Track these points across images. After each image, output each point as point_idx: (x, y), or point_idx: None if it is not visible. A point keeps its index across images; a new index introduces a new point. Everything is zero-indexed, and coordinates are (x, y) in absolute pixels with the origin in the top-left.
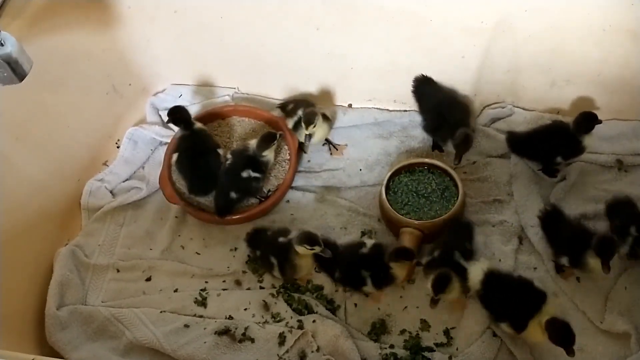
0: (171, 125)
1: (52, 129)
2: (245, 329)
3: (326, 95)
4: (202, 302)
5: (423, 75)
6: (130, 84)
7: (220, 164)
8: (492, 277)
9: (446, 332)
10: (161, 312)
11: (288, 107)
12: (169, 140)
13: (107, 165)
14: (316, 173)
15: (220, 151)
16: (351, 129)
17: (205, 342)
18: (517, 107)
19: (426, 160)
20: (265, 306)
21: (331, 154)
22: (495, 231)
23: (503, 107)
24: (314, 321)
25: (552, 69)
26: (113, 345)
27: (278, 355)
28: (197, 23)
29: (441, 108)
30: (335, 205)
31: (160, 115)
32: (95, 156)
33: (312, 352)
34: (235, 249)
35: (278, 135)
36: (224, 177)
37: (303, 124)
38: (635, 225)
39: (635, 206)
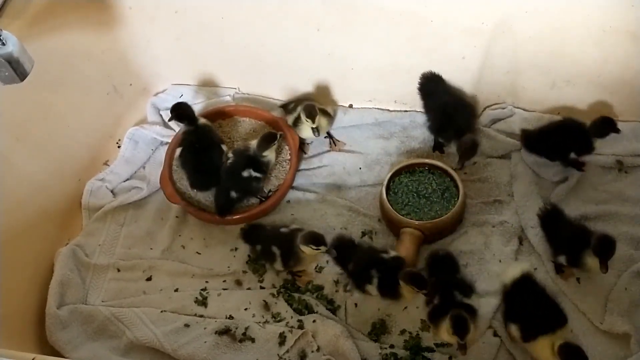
0: (172, 124)
1: (53, 129)
2: (246, 328)
3: (327, 96)
4: (203, 302)
5: (432, 72)
6: (131, 84)
7: (222, 159)
8: (525, 282)
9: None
10: (161, 311)
11: (289, 106)
12: (169, 140)
13: (108, 165)
14: (316, 169)
15: (224, 147)
16: (352, 129)
17: (205, 342)
18: (518, 107)
19: (427, 160)
20: (266, 306)
21: (330, 149)
22: (495, 232)
23: (503, 108)
24: (314, 321)
25: (552, 69)
26: (113, 344)
27: (278, 355)
28: (198, 23)
29: (447, 108)
30: (335, 205)
31: (161, 115)
32: (96, 156)
33: (313, 352)
34: (236, 248)
35: (279, 136)
36: (225, 176)
37: (307, 120)
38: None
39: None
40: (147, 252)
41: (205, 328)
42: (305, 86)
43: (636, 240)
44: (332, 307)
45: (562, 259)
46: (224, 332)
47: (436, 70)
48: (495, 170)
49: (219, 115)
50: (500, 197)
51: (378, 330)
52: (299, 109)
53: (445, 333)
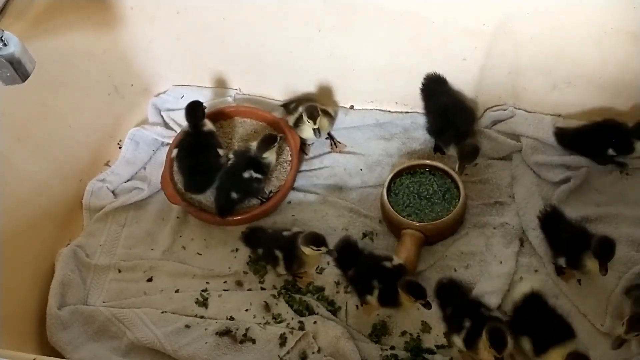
0: (173, 125)
1: (54, 129)
2: (246, 329)
3: (327, 97)
4: (203, 303)
5: (436, 73)
6: (132, 85)
7: (220, 163)
8: (534, 299)
9: (447, 334)
10: (162, 312)
11: (290, 106)
12: (170, 141)
13: (109, 166)
14: (317, 170)
15: (222, 151)
16: (352, 130)
17: (206, 343)
18: (519, 109)
19: (428, 162)
20: (267, 307)
21: (331, 150)
22: (496, 233)
23: (504, 109)
24: (315, 322)
25: (553, 71)
26: (114, 345)
27: (279, 356)
28: (199, 24)
29: (447, 111)
30: (336, 207)
31: (162, 116)
32: (97, 157)
33: (313, 353)
34: (237, 249)
35: (279, 138)
36: (226, 177)
37: (308, 121)
38: None
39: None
40: (147, 252)
41: (206, 329)
42: (306, 87)
43: (637, 242)
44: (333, 309)
45: (561, 261)
46: (225, 333)
47: (437, 71)
48: (496, 171)
49: (219, 116)
50: (501, 199)
51: (379, 332)
52: (300, 109)
53: (486, 354)
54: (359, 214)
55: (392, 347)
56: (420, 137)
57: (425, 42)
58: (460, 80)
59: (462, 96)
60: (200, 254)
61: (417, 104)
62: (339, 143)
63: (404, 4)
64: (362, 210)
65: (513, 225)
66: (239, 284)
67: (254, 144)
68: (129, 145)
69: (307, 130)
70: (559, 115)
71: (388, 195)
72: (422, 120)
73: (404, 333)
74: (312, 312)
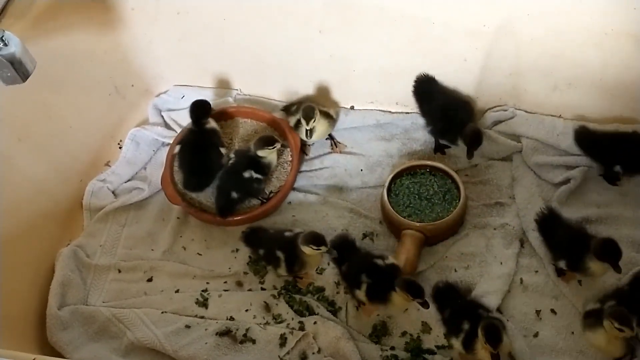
0: (173, 125)
1: (55, 129)
2: (247, 330)
3: (328, 97)
4: (204, 303)
5: (424, 74)
6: (132, 85)
7: (221, 162)
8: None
9: (447, 337)
10: (162, 312)
11: (292, 108)
12: (171, 141)
13: (109, 166)
14: (317, 171)
15: (224, 150)
16: (353, 131)
17: (206, 343)
18: (519, 109)
19: (428, 162)
20: (267, 307)
21: (332, 150)
22: (496, 234)
23: (505, 110)
24: (315, 323)
25: (553, 72)
26: (114, 345)
27: (279, 356)
28: (200, 24)
29: (447, 111)
30: (336, 207)
31: (162, 116)
32: (98, 157)
33: (313, 353)
34: (237, 250)
35: (279, 144)
36: (226, 177)
37: (303, 120)
38: None
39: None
40: (148, 253)
41: (206, 329)
42: (307, 88)
43: (638, 243)
44: (333, 309)
45: (562, 264)
46: (225, 333)
47: (438, 72)
48: (497, 172)
49: (220, 116)
50: (502, 200)
51: (379, 332)
52: (301, 110)
53: (483, 352)
54: (360, 215)
55: (392, 348)
56: (421, 137)
57: (426, 42)
58: (461, 81)
59: (455, 92)
60: (201, 255)
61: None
62: (339, 143)
63: (405, 5)
64: (363, 210)
65: (513, 226)
66: (239, 284)
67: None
68: (130, 145)
69: (304, 129)
70: (559, 116)
71: (388, 195)
72: (422, 120)
73: (404, 333)
74: (312, 312)
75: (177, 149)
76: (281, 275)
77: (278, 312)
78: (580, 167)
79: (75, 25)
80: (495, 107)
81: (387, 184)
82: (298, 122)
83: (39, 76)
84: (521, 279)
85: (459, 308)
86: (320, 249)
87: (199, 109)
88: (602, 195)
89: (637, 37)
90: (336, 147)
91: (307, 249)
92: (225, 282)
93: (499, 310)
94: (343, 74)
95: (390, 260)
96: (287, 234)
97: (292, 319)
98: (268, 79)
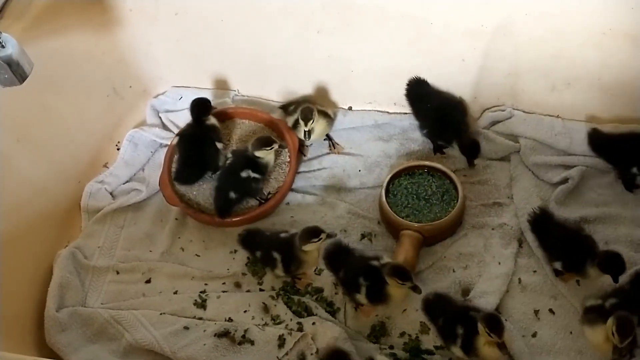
0: (171, 127)
1: (53, 130)
2: (245, 331)
3: (326, 98)
4: (202, 304)
5: (416, 77)
6: (130, 86)
7: (216, 157)
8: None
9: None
10: (161, 314)
11: (289, 108)
12: (169, 143)
13: (107, 167)
14: (316, 171)
15: (220, 145)
16: (351, 132)
17: (204, 344)
18: (517, 109)
19: (426, 162)
20: (265, 308)
21: (330, 151)
22: (495, 234)
23: (503, 110)
24: (313, 323)
25: (552, 72)
26: (112, 347)
27: (277, 357)
28: (198, 25)
29: (441, 111)
30: (335, 208)
31: (160, 118)
32: (96, 158)
33: (312, 354)
34: (235, 251)
35: (277, 145)
36: (224, 176)
37: (301, 121)
38: None
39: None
40: (146, 254)
41: (204, 330)
42: (305, 88)
43: (636, 243)
44: (332, 310)
45: (557, 265)
46: (223, 334)
47: (436, 72)
48: (495, 172)
49: (218, 117)
50: (500, 200)
51: (377, 333)
52: (299, 111)
53: (487, 348)
54: (358, 215)
55: (391, 347)
56: (419, 138)
57: (424, 43)
58: (459, 81)
59: (447, 92)
60: (199, 256)
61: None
62: (338, 144)
63: (403, 5)
64: (361, 211)
65: (511, 226)
66: (238, 285)
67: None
68: (128, 146)
69: (302, 130)
70: (557, 116)
71: (387, 196)
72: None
73: (402, 334)
74: (310, 313)
75: (175, 140)
76: (279, 276)
77: (276, 313)
78: (578, 166)
79: (73, 27)
80: (493, 107)
81: (385, 185)
82: (296, 122)
83: (37, 77)
84: (519, 279)
85: (451, 315)
86: (320, 238)
87: (200, 108)
88: (600, 194)
89: (635, 36)
90: (334, 147)
91: (309, 246)
92: (224, 283)
93: (497, 310)
94: (341, 74)
95: (386, 260)
96: (282, 235)
97: (291, 319)
98: (266, 80)
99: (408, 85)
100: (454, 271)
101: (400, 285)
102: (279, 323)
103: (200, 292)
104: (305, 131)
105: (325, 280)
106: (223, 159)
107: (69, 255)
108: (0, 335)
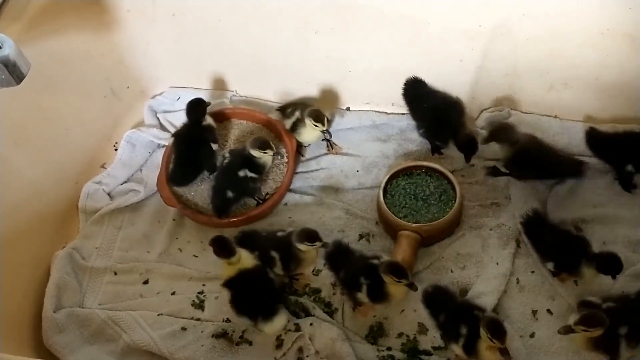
0: (169, 127)
1: (50, 131)
2: (243, 332)
3: (324, 98)
4: (200, 305)
5: (413, 77)
6: (128, 87)
7: (211, 158)
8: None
9: (445, 343)
10: (158, 315)
11: (287, 109)
12: (166, 143)
13: (105, 168)
14: (314, 172)
15: (215, 146)
16: (349, 132)
17: (202, 345)
18: (515, 110)
19: (424, 163)
20: None
21: (328, 152)
22: (492, 235)
23: (501, 111)
24: (311, 324)
25: (550, 72)
26: (110, 348)
27: (275, 358)
28: (196, 26)
29: (438, 111)
30: (333, 208)
31: (158, 118)
32: (93, 159)
33: (308, 356)
34: None
35: (272, 152)
36: (221, 176)
37: (315, 124)
38: None
39: None
40: (144, 255)
41: (202, 331)
42: (303, 89)
43: (634, 243)
44: (330, 310)
45: (549, 266)
46: (221, 335)
47: (434, 73)
48: None
49: (216, 117)
50: (498, 200)
51: (375, 333)
52: (297, 113)
53: (488, 353)
54: (356, 216)
55: (389, 349)
56: (417, 138)
57: (422, 43)
58: (457, 81)
59: (444, 92)
60: (197, 256)
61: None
62: (336, 145)
63: (401, 6)
64: (359, 211)
65: (509, 226)
66: None
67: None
68: (125, 147)
69: (304, 134)
70: (555, 117)
71: (384, 196)
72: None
73: (400, 334)
74: (308, 313)
75: (170, 140)
76: (278, 276)
77: None
78: None
79: (70, 27)
80: (491, 107)
81: (383, 185)
82: (294, 125)
83: (34, 78)
84: (517, 279)
85: (454, 312)
86: (315, 245)
87: (195, 109)
88: (597, 195)
89: (633, 37)
90: (332, 148)
91: (302, 246)
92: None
93: (495, 310)
94: (339, 75)
95: (385, 258)
96: (279, 234)
97: (289, 320)
98: (264, 81)
99: (405, 85)
100: (452, 271)
101: (397, 283)
102: None
103: (198, 292)
104: (324, 131)
105: (323, 280)
106: (219, 160)
107: (67, 256)
108: None
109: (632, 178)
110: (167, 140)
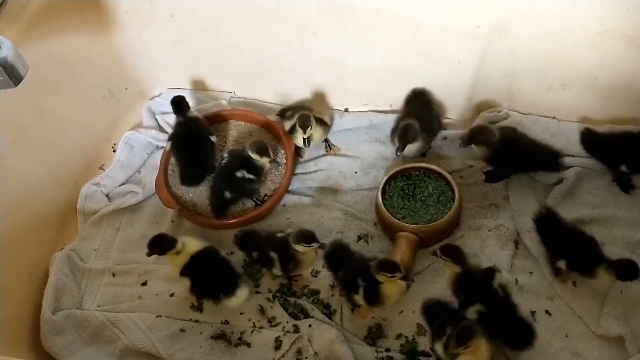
0: (168, 129)
1: (49, 132)
2: (241, 333)
3: (323, 100)
4: (198, 307)
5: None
6: (126, 88)
7: (214, 152)
8: None
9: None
10: (157, 316)
11: (287, 113)
12: (165, 145)
13: (104, 169)
14: (312, 173)
15: (214, 138)
16: (347, 133)
17: (201, 347)
18: (514, 111)
19: (422, 164)
20: (261, 310)
21: (326, 153)
22: (491, 236)
23: (499, 111)
24: (309, 325)
25: (548, 73)
26: (109, 350)
27: (274, 359)
28: (194, 27)
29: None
30: (331, 209)
31: (156, 119)
32: (92, 160)
33: (307, 357)
34: (232, 252)
35: (270, 160)
36: (219, 176)
37: (299, 128)
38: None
39: None
40: (142, 256)
41: (200, 333)
42: (301, 90)
43: (632, 244)
44: (328, 312)
45: (561, 264)
46: (220, 337)
47: (432, 74)
48: None
49: (214, 118)
50: (496, 201)
51: (374, 335)
52: (297, 116)
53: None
54: (354, 217)
55: (388, 350)
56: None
57: (420, 44)
58: (456, 82)
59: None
60: None
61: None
62: (334, 146)
63: (399, 7)
64: (357, 213)
65: (508, 227)
66: None
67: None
68: (124, 148)
69: (301, 138)
70: (554, 117)
71: (383, 197)
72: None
73: (399, 336)
74: (307, 315)
75: (168, 145)
76: (276, 276)
77: (273, 315)
78: (574, 167)
79: (69, 29)
80: (489, 108)
81: (381, 186)
82: (293, 127)
83: (32, 79)
84: (516, 280)
85: (446, 317)
86: (312, 246)
87: (180, 103)
88: (596, 196)
89: (631, 37)
90: (330, 149)
91: (299, 247)
92: None
93: None
94: (337, 76)
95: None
96: (278, 234)
97: (287, 322)
98: (262, 82)
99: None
100: None
101: (390, 279)
102: (276, 325)
103: None
104: (304, 138)
105: (322, 282)
106: (219, 153)
107: (65, 258)
108: None
109: (630, 179)
110: (165, 141)
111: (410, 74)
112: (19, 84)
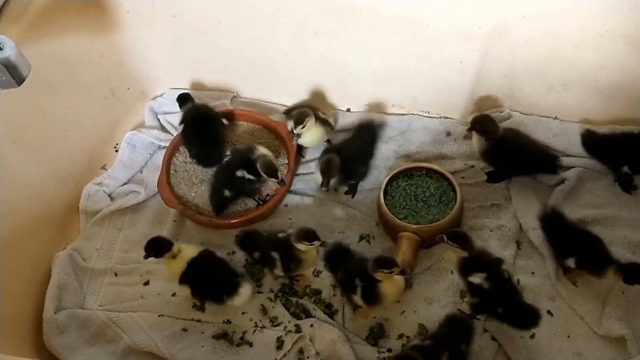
0: (170, 129)
1: (51, 133)
2: (243, 333)
3: (324, 100)
4: (200, 307)
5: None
6: (128, 88)
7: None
8: None
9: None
10: (159, 316)
11: (292, 112)
12: (167, 144)
13: (106, 169)
14: (314, 173)
15: (225, 121)
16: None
17: (203, 347)
18: (515, 111)
19: (424, 164)
20: (263, 310)
21: None
22: (493, 236)
23: (501, 112)
24: (311, 325)
25: (549, 73)
26: (111, 349)
27: (276, 359)
28: (196, 27)
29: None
30: (333, 210)
31: (158, 119)
32: (94, 160)
33: (308, 357)
34: (233, 252)
35: (279, 179)
36: (220, 174)
37: (291, 122)
38: None
39: None
40: None
41: (202, 332)
42: (303, 90)
43: (633, 244)
44: (330, 311)
45: (570, 262)
46: (222, 336)
47: (434, 74)
48: None
49: None
50: (498, 201)
51: (376, 335)
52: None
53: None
54: (356, 217)
55: (389, 350)
56: (417, 140)
57: (422, 45)
58: (457, 82)
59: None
60: None
61: (413, 106)
62: None
63: (400, 7)
64: (359, 213)
65: (510, 227)
66: None
67: (256, 147)
68: (126, 148)
69: (304, 138)
70: (555, 118)
71: (385, 198)
72: (418, 122)
73: (401, 336)
74: (308, 315)
75: (180, 128)
76: (278, 276)
77: (275, 314)
78: (575, 168)
79: (71, 29)
80: (491, 108)
81: (383, 186)
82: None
83: (34, 79)
84: (518, 280)
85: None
86: (313, 244)
87: (186, 100)
88: (597, 196)
89: (631, 38)
90: None
91: (301, 246)
92: None
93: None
94: (339, 76)
95: None
96: (280, 234)
97: (289, 321)
98: (264, 82)
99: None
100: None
101: (388, 276)
102: (277, 325)
103: None
104: (294, 134)
105: (324, 282)
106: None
107: (67, 258)
108: None
109: (632, 180)
110: (167, 141)
111: (412, 74)
112: (21, 83)
